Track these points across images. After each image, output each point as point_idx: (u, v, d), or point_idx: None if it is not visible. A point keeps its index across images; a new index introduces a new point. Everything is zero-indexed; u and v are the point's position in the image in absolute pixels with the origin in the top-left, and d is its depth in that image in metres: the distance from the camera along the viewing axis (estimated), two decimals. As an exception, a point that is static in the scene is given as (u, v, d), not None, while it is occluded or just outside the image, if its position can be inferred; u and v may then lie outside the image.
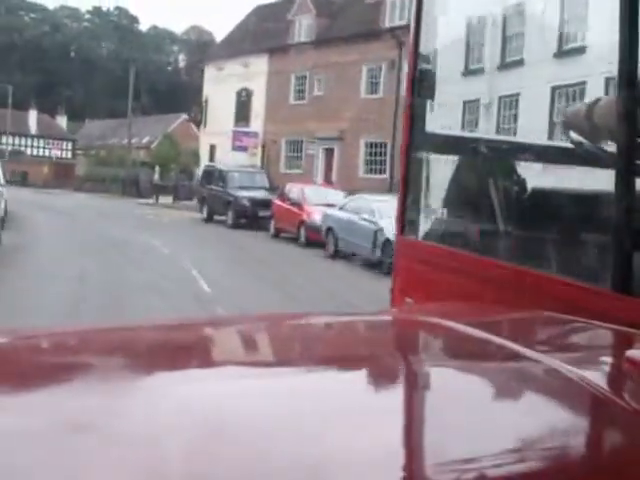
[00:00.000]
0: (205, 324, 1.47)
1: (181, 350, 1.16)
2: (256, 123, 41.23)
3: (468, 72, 2.92)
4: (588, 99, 2.30)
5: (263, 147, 40.39)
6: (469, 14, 2.83)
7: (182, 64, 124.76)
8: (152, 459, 0.70)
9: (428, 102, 2.61)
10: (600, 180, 2.01)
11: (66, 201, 39.03)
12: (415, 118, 2.60)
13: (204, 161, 41.81)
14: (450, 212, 2.78)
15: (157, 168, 48.24)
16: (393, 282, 2.60)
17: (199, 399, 0.85)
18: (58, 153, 71.51)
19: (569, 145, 2.21)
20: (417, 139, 2.61)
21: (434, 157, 2.78)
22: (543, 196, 2.40)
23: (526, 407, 0.91)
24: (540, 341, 1.38)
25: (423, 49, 2.64)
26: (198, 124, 49.87)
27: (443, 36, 2.82)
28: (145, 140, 66.32)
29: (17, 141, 74.63)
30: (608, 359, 1.27)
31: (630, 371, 0.99)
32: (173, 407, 0.81)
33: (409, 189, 2.60)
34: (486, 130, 2.86)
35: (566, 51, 2.50)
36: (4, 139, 69.67)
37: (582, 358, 1.20)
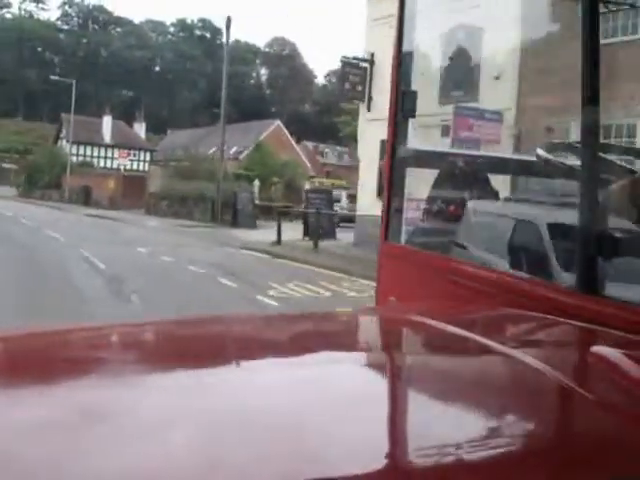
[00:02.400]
0: (199, 323, 1.50)
1: (176, 349, 1.19)
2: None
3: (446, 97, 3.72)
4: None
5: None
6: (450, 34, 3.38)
7: (264, 77, 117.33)
8: (162, 452, 0.71)
9: (410, 121, 2.73)
10: (564, 189, 2.33)
11: (130, 249, 20.16)
12: (398, 134, 2.72)
13: (370, 166, 22.20)
14: (429, 219, 3.08)
15: (256, 182, 36.60)
16: (377, 283, 2.73)
17: (201, 393, 0.88)
18: (127, 164, 57.86)
19: (534, 159, 2.38)
20: (400, 154, 2.74)
21: (415, 170, 2.97)
22: (513, 204, 2.77)
23: (495, 398, 0.95)
24: (508, 336, 1.47)
25: (406, 70, 2.76)
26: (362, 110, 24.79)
27: (426, 58, 3.17)
28: (233, 150, 55.19)
29: (87, 151, 65.50)
30: (574, 353, 1.35)
31: (596, 365, 1.05)
32: (177, 401, 0.84)
33: (392, 199, 2.74)
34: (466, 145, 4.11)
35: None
36: (69, 148, 59.69)
37: (548, 352, 1.28)
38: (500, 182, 2.93)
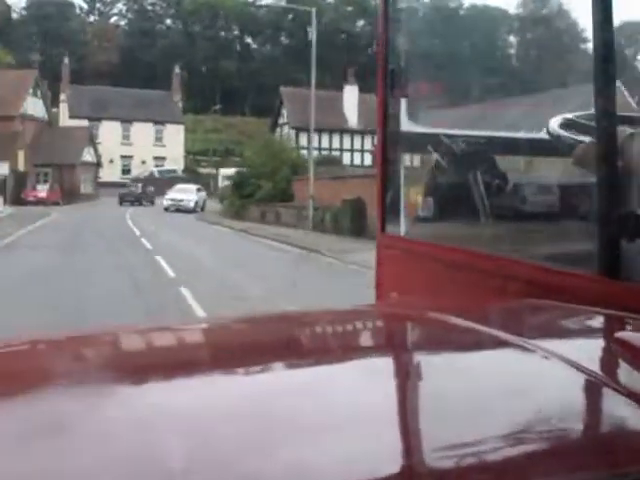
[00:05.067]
0: (197, 327, 1.48)
1: (175, 354, 1.19)
2: None
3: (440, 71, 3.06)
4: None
5: None
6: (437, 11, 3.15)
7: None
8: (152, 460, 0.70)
9: (402, 100, 2.62)
10: (577, 170, 2.15)
11: None
12: (389, 117, 2.62)
13: None
14: (429, 207, 2.83)
15: None
16: (377, 278, 2.63)
17: (197, 400, 0.87)
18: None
19: (546, 137, 2.22)
20: (392, 137, 2.65)
21: (411, 154, 2.85)
22: (522, 187, 2.55)
23: (519, 393, 0.93)
24: (528, 328, 1.40)
25: (393, 46, 2.65)
26: None
27: (414, 32, 2.90)
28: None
29: (323, 141, 43.02)
30: (598, 342, 1.30)
31: (621, 353, 1.03)
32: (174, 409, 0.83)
33: (387, 187, 2.64)
34: (464, 125, 3.01)
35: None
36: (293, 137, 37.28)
37: (571, 343, 1.24)
38: (506, 162, 2.79)
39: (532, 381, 0.97)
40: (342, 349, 1.19)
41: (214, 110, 78.81)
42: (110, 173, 71.13)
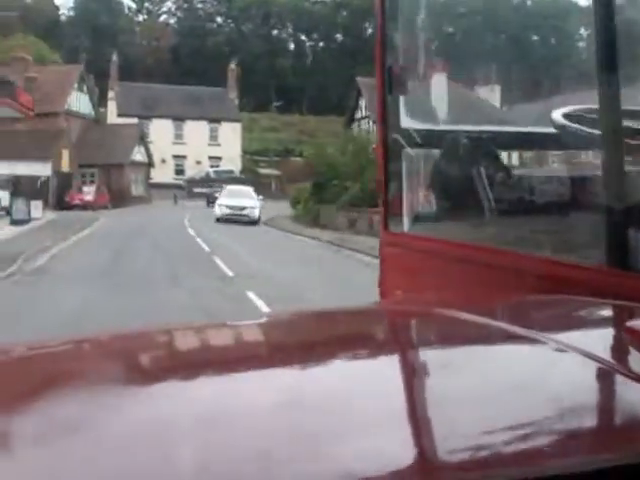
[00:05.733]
0: (203, 329, 1.49)
1: (179, 356, 1.20)
2: None
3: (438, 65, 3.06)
4: None
5: None
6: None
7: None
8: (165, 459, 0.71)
9: (401, 98, 2.61)
10: (585, 158, 2.23)
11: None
12: (389, 114, 2.63)
13: None
14: (432, 203, 2.82)
15: None
16: (381, 276, 2.61)
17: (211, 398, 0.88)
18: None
19: (549, 130, 2.19)
20: (393, 134, 2.65)
21: (412, 151, 2.80)
22: (525, 180, 2.60)
23: (534, 384, 0.94)
24: (537, 321, 1.39)
25: (391, 43, 2.66)
26: None
27: (412, 28, 2.89)
28: None
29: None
30: (609, 333, 1.31)
31: (632, 342, 1.04)
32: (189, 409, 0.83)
33: (389, 184, 2.65)
34: (463, 120, 3.03)
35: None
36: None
37: (582, 334, 1.24)
38: (510, 156, 2.87)
39: (546, 373, 0.97)
40: (359, 348, 1.18)
41: (276, 106, 73.54)
42: (162, 173, 65.56)
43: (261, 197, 41.38)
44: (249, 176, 63.88)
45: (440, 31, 3.09)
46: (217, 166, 69.63)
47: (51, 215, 36.65)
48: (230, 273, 16.10)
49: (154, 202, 57.64)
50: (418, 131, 2.75)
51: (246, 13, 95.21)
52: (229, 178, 63.36)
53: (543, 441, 0.77)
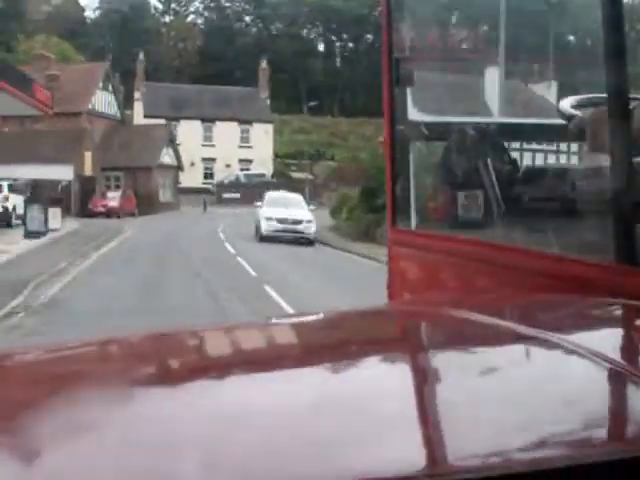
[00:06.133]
0: (218, 331, 1.48)
1: (196, 356, 1.22)
2: None
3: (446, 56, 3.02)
4: None
5: None
6: None
7: None
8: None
9: (408, 90, 2.57)
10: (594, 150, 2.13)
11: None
12: (396, 107, 2.55)
13: None
14: (441, 199, 2.78)
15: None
16: (389, 275, 2.52)
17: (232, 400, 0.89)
18: None
19: (558, 122, 2.16)
20: (400, 128, 2.61)
21: (419, 144, 2.80)
22: (540, 174, 2.54)
23: (546, 386, 0.94)
24: (550, 321, 1.37)
25: (397, 35, 2.60)
26: None
27: (418, 20, 2.86)
28: None
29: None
30: (618, 332, 1.31)
31: None
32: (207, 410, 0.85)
33: (397, 179, 2.59)
34: (471, 112, 3.07)
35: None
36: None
37: (594, 335, 1.24)
38: (520, 148, 2.81)
39: (559, 374, 0.98)
40: (374, 351, 1.18)
41: (309, 107, 70.55)
42: (191, 177, 62.44)
43: (312, 206, 33.39)
44: (281, 180, 60.70)
45: (446, 22, 3.00)
46: (248, 169, 66.62)
47: (72, 224, 33.34)
48: (291, 310, 12.61)
49: (182, 208, 54.44)
50: (426, 123, 2.76)
51: (275, 12, 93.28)
52: (260, 182, 60.48)
53: (556, 441, 0.77)
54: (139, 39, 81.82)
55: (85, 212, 42.73)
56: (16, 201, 30.45)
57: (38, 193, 32.65)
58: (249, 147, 68.54)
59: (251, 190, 59.54)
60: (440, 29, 2.95)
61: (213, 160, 67.70)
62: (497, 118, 2.84)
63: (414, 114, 2.64)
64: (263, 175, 63.78)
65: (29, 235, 25.25)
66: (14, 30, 73.45)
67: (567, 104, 2.03)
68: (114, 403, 0.87)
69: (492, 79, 3.13)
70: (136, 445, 0.74)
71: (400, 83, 2.43)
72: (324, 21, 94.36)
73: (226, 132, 67.05)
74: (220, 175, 66.06)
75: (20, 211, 28.95)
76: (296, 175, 63.98)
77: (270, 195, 32.16)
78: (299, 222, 28.87)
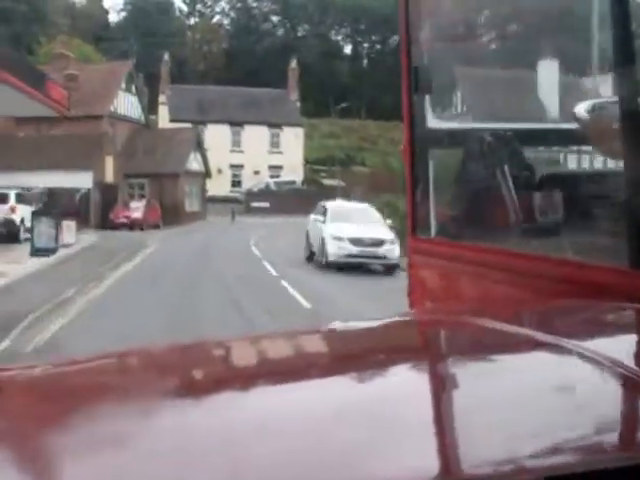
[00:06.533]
0: (238, 342, 1.49)
1: (220, 368, 1.23)
2: None
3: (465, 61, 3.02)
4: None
5: None
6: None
7: None
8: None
9: (427, 97, 2.58)
10: (609, 154, 2.12)
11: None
12: (415, 114, 2.59)
13: None
14: (463, 206, 2.76)
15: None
16: (409, 284, 2.54)
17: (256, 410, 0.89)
18: None
19: (575, 127, 2.18)
20: (419, 135, 2.61)
21: (439, 152, 2.81)
22: (559, 181, 2.47)
23: (563, 394, 0.95)
24: (568, 329, 1.38)
25: (416, 43, 2.63)
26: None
27: (436, 27, 2.86)
28: None
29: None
30: (637, 340, 1.32)
31: None
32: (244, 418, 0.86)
33: (417, 187, 2.60)
34: (490, 118, 3.01)
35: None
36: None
37: (612, 342, 1.24)
38: (541, 155, 2.83)
39: (577, 382, 0.98)
40: (396, 360, 1.19)
41: (339, 108, 67.14)
42: (218, 185, 58.91)
43: (390, 221, 23.65)
44: (312, 188, 57.51)
45: (466, 28, 3.00)
46: (277, 176, 63.39)
47: (89, 238, 29.98)
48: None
49: (209, 218, 51.10)
50: (445, 131, 2.81)
51: (302, 13, 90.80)
52: (291, 190, 57.21)
53: (571, 448, 0.78)
54: (164, 42, 79.28)
55: (106, 224, 39.49)
56: (25, 213, 27.05)
57: (52, 203, 29.36)
58: (279, 152, 65.49)
59: (280, 199, 56.30)
60: (458, 36, 2.93)
61: (241, 167, 64.72)
62: (517, 125, 2.72)
63: (433, 121, 2.67)
64: (293, 182, 60.70)
65: (36, 253, 21.73)
66: (36, 33, 71.25)
67: (582, 109, 2.03)
68: (139, 415, 0.88)
69: (513, 85, 3.11)
70: (162, 456, 0.74)
71: (419, 91, 2.48)
72: (352, 21, 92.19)
73: (255, 136, 64.25)
74: (248, 183, 63.02)
75: (29, 224, 25.56)
76: (327, 182, 60.62)
77: (332, 208, 23.72)
78: (380, 243, 21.17)
